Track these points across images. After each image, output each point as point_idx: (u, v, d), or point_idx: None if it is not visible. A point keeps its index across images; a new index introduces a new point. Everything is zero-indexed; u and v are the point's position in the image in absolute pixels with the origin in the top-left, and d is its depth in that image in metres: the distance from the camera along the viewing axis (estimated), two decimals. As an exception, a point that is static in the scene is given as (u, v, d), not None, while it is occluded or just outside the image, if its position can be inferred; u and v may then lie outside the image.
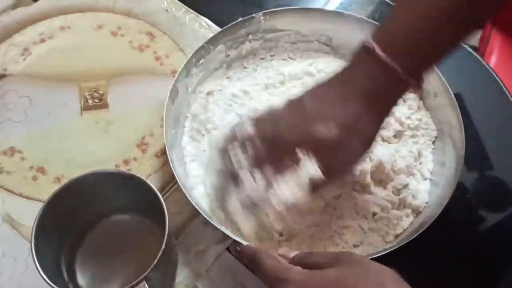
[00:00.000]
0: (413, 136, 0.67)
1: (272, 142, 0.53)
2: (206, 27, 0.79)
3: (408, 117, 0.67)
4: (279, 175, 0.53)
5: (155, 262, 0.49)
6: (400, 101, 0.66)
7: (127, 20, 0.80)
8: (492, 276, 0.63)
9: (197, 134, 0.68)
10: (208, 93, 0.71)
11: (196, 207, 0.57)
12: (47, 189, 0.64)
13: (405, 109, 0.68)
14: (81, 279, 0.58)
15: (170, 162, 0.60)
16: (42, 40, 0.77)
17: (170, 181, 0.65)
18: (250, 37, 0.73)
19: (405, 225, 0.61)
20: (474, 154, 0.62)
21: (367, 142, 0.53)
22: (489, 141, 0.70)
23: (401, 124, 0.66)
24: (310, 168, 0.51)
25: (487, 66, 0.78)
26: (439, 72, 0.65)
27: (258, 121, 0.55)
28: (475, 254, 0.63)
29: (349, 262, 0.44)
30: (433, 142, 0.67)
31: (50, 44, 0.77)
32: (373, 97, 0.52)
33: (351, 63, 0.53)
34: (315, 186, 0.53)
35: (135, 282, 0.48)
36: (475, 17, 0.51)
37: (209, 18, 0.80)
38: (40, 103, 0.72)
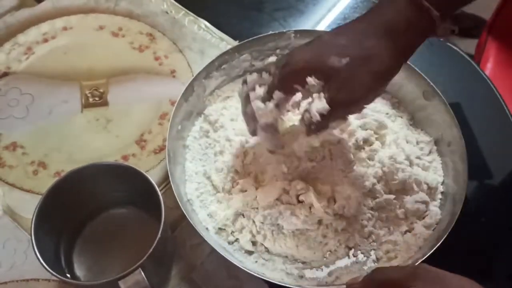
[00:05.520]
0: None
1: (284, 66, 0.54)
2: (204, 29, 0.81)
3: (418, 157, 0.66)
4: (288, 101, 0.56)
5: (151, 250, 0.51)
6: (413, 142, 0.67)
7: (128, 21, 0.82)
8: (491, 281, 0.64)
9: (205, 134, 0.69)
10: (226, 98, 0.72)
11: (182, 208, 0.58)
12: (48, 183, 0.65)
13: (416, 149, 0.67)
14: (78, 270, 0.59)
15: (167, 157, 0.62)
16: (45, 40, 0.80)
17: (167, 177, 0.67)
18: (278, 51, 0.74)
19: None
20: (473, 163, 0.63)
21: (379, 77, 0.53)
22: (487, 149, 0.72)
23: (410, 162, 0.65)
24: (318, 105, 0.53)
25: (482, 74, 0.80)
26: (458, 125, 0.65)
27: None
28: (474, 259, 0.64)
29: (429, 279, 0.42)
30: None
31: (53, 44, 0.79)
32: (395, 33, 0.51)
33: (380, 1, 0.54)
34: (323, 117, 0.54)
35: (131, 269, 0.50)
36: None
37: (207, 21, 0.82)
38: (42, 100, 0.74)
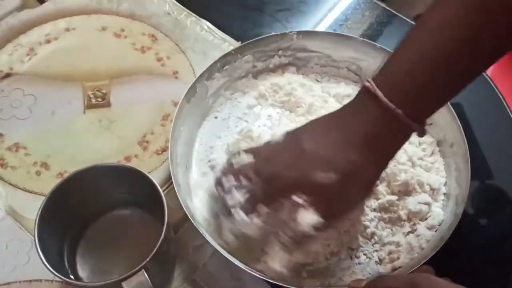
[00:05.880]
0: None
1: (269, 181, 0.52)
2: (207, 30, 0.81)
3: (420, 158, 0.67)
4: (275, 215, 0.52)
5: (154, 251, 0.51)
6: (416, 143, 0.68)
7: (130, 22, 0.82)
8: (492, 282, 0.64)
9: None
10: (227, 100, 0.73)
11: (185, 210, 0.58)
12: (50, 184, 0.65)
13: (419, 150, 0.67)
14: (81, 271, 0.59)
15: (169, 158, 0.62)
16: (48, 41, 0.80)
17: (170, 178, 0.67)
18: (280, 52, 0.74)
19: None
20: (474, 163, 0.63)
21: (367, 189, 0.53)
22: (488, 150, 0.72)
23: (413, 163, 0.66)
24: (309, 217, 0.50)
25: (484, 74, 0.79)
26: (460, 126, 0.65)
27: (256, 155, 0.54)
28: (474, 259, 0.64)
29: (428, 287, 0.43)
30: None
31: (55, 45, 0.79)
32: (374, 143, 0.50)
33: (352, 105, 0.52)
34: (317, 229, 0.51)
35: (134, 270, 0.50)
36: (474, 68, 0.50)
37: (210, 21, 0.82)
38: (44, 101, 0.74)
